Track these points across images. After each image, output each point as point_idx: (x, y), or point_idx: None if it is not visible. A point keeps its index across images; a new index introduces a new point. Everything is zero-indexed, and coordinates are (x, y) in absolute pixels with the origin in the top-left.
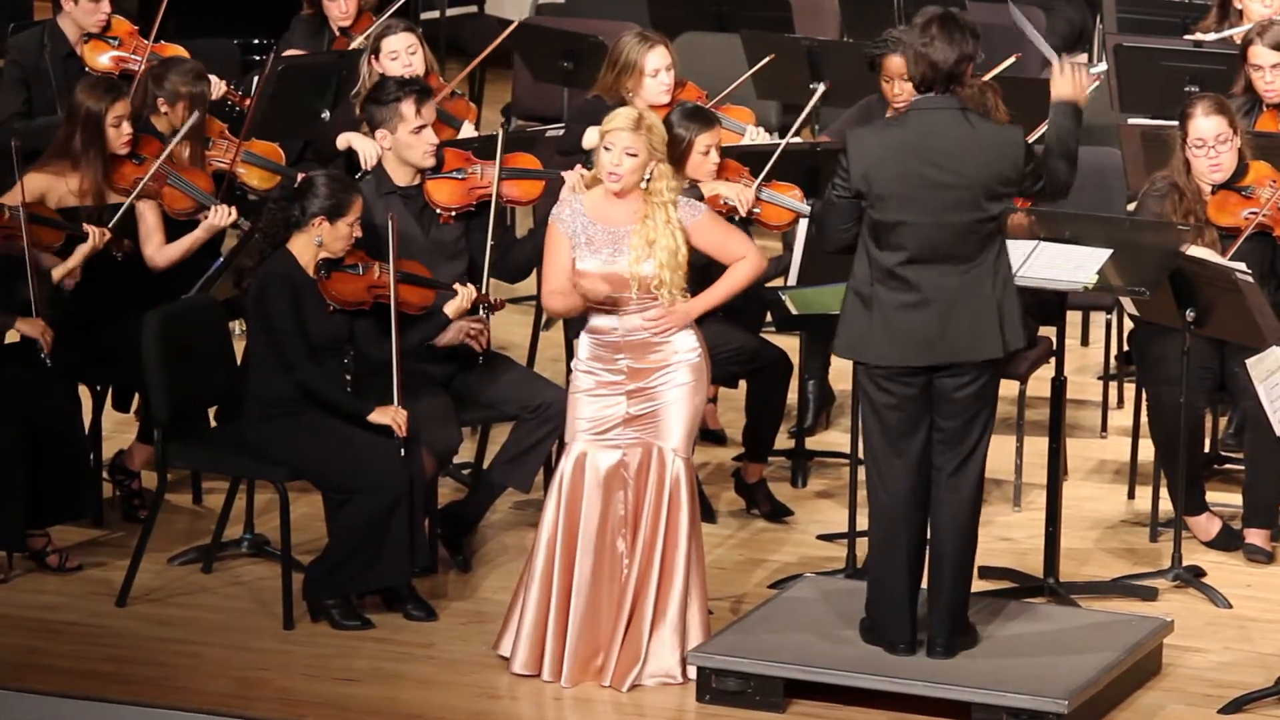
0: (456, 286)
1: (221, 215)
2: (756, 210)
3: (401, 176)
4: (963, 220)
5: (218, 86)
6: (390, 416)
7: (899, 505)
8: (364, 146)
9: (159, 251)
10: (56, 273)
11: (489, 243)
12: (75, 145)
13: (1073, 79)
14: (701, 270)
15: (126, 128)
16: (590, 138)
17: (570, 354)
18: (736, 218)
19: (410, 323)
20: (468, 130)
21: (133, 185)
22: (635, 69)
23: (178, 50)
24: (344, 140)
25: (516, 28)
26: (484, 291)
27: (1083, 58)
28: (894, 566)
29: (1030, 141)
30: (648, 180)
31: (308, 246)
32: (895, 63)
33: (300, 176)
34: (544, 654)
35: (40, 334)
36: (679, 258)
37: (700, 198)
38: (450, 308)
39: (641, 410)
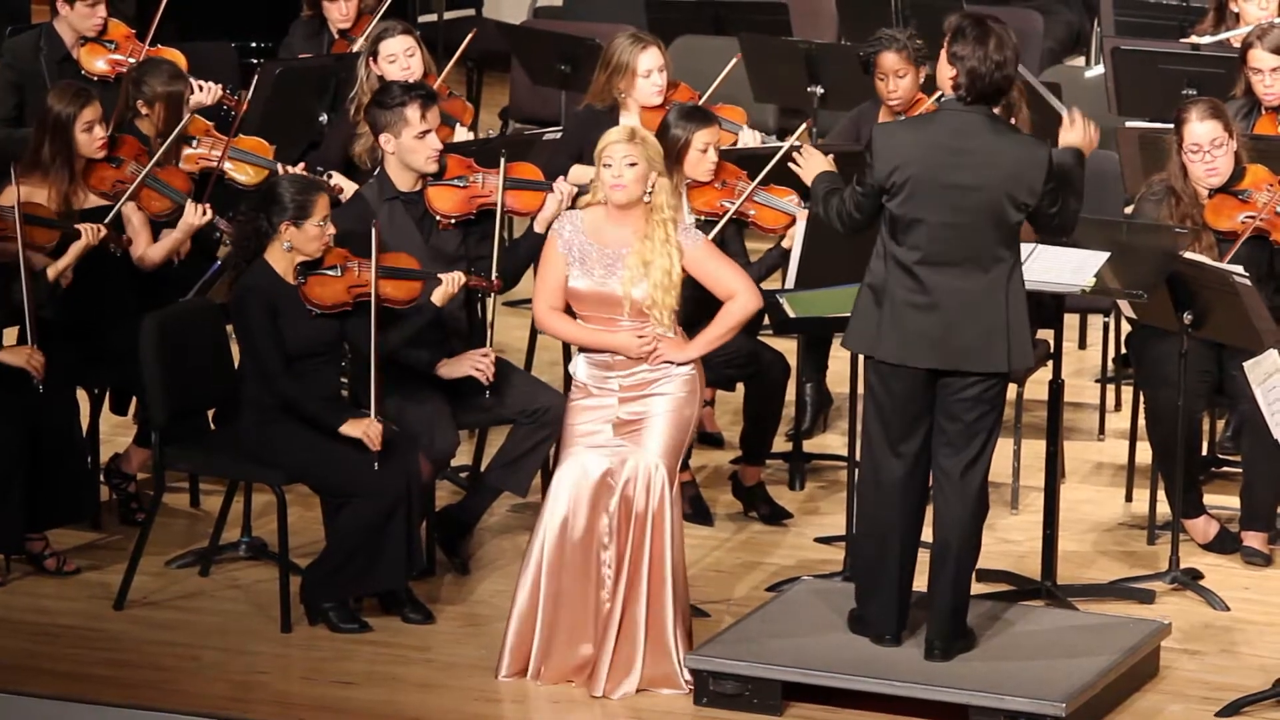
0: (441, 274)
1: (195, 213)
2: (751, 212)
3: (403, 182)
4: (978, 223)
5: (213, 91)
6: (362, 430)
7: (892, 499)
8: (348, 186)
9: (146, 252)
10: (51, 271)
11: (496, 239)
12: (44, 154)
13: (1083, 130)
14: (696, 305)
15: (99, 131)
16: (576, 173)
17: (568, 357)
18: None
19: (399, 316)
20: (462, 132)
21: (112, 188)
22: (627, 70)
23: (174, 53)
24: (335, 179)
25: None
26: (489, 280)
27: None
28: (885, 558)
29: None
30: (649, 194)
31: (282, 254)
32: (890, 60)
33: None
34: (529, 660)
35: (26, 362)
36: (673, 277)
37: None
38: (437, 295)
39: (631, 415)
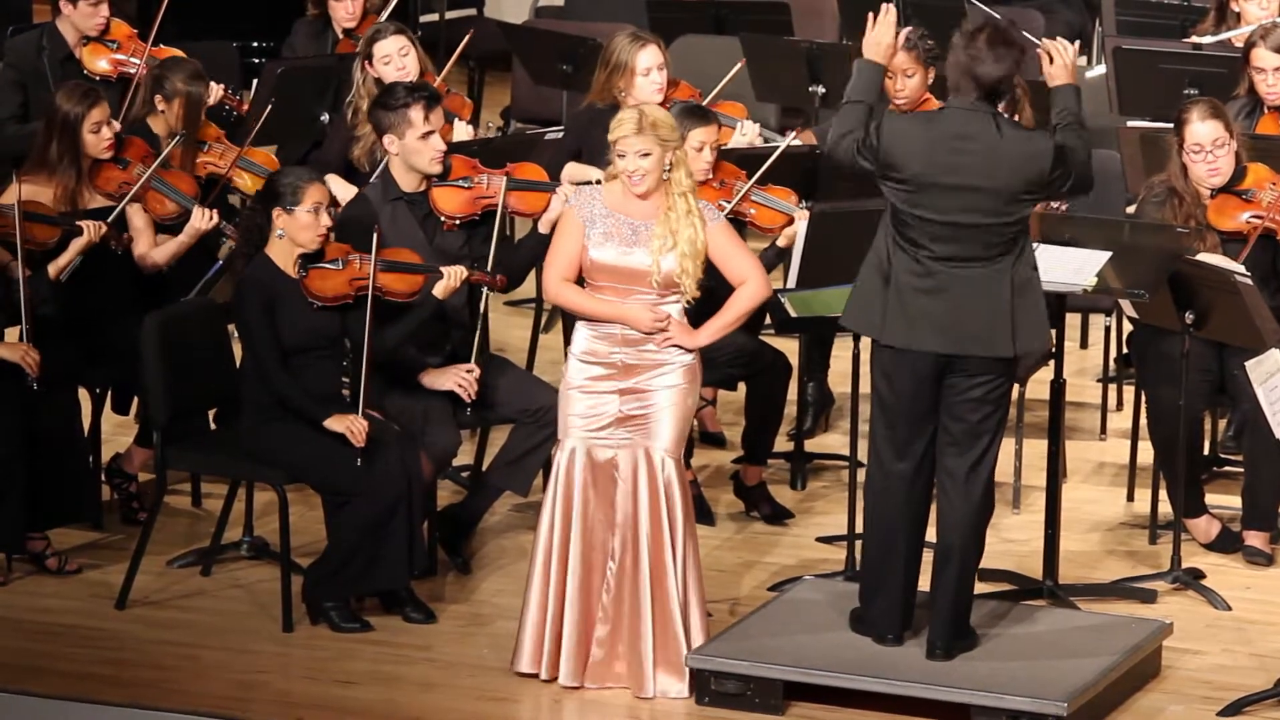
0: (443, 268)
1: (202, 218)
2: (751, 211)
3: (407, 183)
4: (980, 223)
5: (215, 91)
6: (345, 425)
7: (897, 499)
8: (341, 193)
9: (148, 253)
10: (52, 269)
11: (494, 238)
12: (51, 153)
13: (1063, 62)
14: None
15: (107, 132)
16: (570, 171)
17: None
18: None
19: (399, 311)
20: (461, 126)
21: (117, 189)
22: (627, 68)
23: (177, 54)
24: (326, 183)
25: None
26: (492, 276)
27: (1064, 43)
28: (889, 558)
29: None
30: (668, 170)
31: (281, 246)
32: (899, 58)
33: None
34: (543, 653)
35: (22, 358)
36: (699, 245)
37: None
38: (439, 289)
39: (633, 410)
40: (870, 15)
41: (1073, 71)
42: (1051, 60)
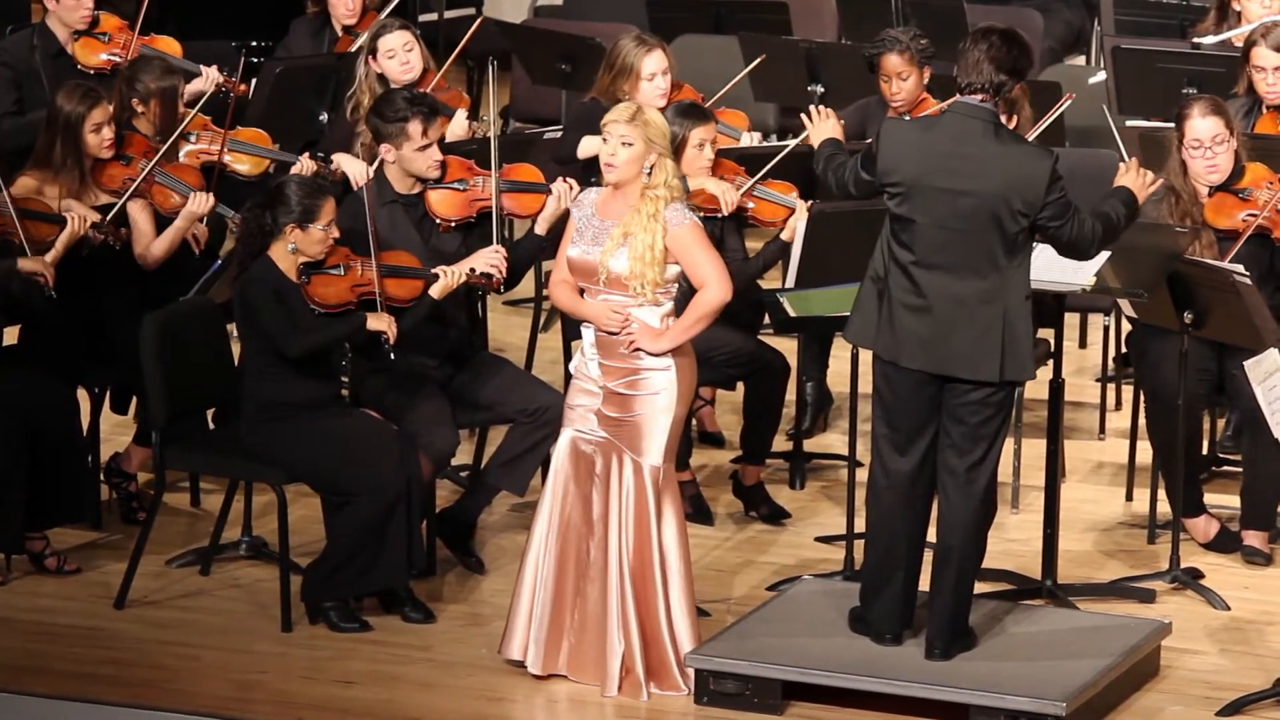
0: (442, 268)
1: (200, 202)
2: (750, 206)
3: (402, 185)
4: (972, 229)
5: (213, 77)
6: (386, 323)
7: (899, 499)
8: (353, 170)
9: (149, 248)
10: (38, 264)
11: (495, 239)
12: (56, 155)
13: (1138, 177)
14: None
15: (107, 132)
16: (586, 146)
17: (568, 357)
18: (719, 217)
19: (397, 312)
20: (460, 118)
21: (122, 185)
22: (632, 73)
23: (168, 42)
24: (335, 162)
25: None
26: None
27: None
28: (890, 557)
29: (1054, 163)
30: (648, 173)
31: (285, 253)
32: (892, 62)
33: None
34: (529, 641)
35: (43, 269)
36: (655, 251)
37: (687, 191)
38: (436, 289)
39: (615, 414)
40: (803, 116)
41: (1140, 189)
42: (1128, 170)
